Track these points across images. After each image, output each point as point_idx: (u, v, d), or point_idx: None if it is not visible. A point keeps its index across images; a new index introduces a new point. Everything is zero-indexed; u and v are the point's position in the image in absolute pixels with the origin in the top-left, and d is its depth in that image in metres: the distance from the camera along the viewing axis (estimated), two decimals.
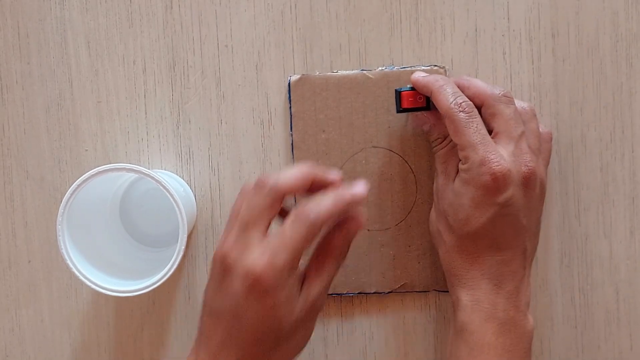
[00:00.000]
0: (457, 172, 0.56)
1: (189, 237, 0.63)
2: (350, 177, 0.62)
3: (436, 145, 0.58)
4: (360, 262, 0.62)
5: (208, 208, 0.63)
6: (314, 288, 0.53)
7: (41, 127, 0.64)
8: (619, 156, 0.62)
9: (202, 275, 0.64)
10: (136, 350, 0.64)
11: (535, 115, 0.58)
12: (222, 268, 0.51)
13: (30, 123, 0.64)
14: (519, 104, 0.57)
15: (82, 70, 0.63)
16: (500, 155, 0.54)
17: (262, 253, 0.50)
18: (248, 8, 0.63)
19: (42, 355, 0.65)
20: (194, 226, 0.63)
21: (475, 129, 0.54)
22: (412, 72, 0.61)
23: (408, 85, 0.58)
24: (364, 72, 0.61)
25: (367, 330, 0.63)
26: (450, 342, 0.58)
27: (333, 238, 0.53)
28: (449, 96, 0.55)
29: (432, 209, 0.60)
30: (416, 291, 0.63)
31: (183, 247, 0.56)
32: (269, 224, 0.51)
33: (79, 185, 0.55)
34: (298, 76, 0.62)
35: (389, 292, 0.63)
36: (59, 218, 0.56)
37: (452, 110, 0.55)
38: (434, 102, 0.56)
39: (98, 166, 0.56)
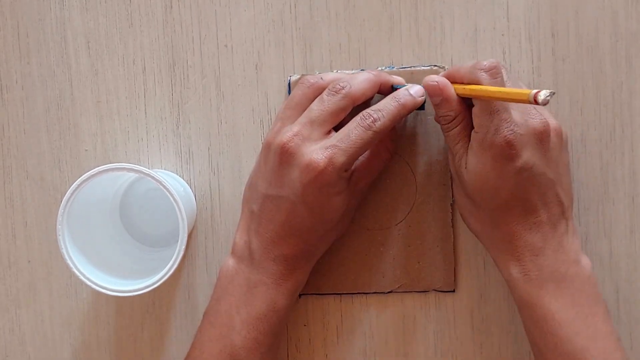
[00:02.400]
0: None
1: (189, 236, 0.63)
2: None
3: (446, 123, 0.56)
4: (360, 262, 0.62)
5: (208, 208, 0.63)
6: (361, 183, 0.58)
7: (41, 127, 0.64)
8: (619, 156, 0.62)
9: (202, 275, 0.64)
10: (136, 350, 0.64)
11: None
12: (281, 156, 0.55)
13: (30, 123, 0.64)
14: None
15: (82, 70, 0.63)
16: (513, 121, 0.52)
17: (325, 149, 0.54)
18: (248, 8, 0.63)
19: (42, 355, 0.65)
20: (194, 226, 0.63)
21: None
22: (412, 72, 0.61)
23: (406, 84, 0.58)
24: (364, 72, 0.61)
25: (367, 330, 0.63)
26: (522, 321, 0.57)
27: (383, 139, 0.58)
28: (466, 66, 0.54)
29: (455, 191, 0.59)
30: (416, 291, 0.63)
31: (183, 247, 0.56)
32: (335, 124, 0.56)
33: (79, 185, 0.55)
34: (298, 76, 0.62)
35: (389, 292, 0.63)
36: (59, 218, 0.56)
37: (476, 70, 0.53)
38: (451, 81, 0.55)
39: (98, 166, 0.56)
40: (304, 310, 0.63)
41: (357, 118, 0.55)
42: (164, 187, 0.55)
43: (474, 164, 0.54)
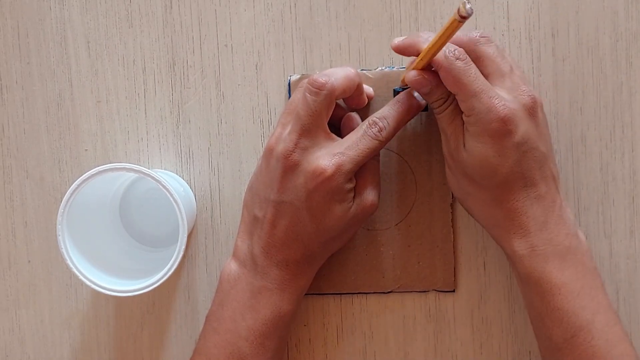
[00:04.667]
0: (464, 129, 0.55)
1: (189, 237, 0.63)
2: None
3: (438, 107, 0.56)
4: (360, 262, 0.62)
5: (208, 208, 0.63)
6: (369, 193, 0.57)
7: (41, 127, 0.64)
8: (619, 156, 0.62)
9: (202, 275, 0.64)
10: (136, 350, 0.64)
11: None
12: (285, 164, 0.55)
13: (30, 123, 0.64)
14: (474, 33, 0.56)
15: (82, 70, 0.63)
16: (502, 97, 0.53)
17: (333, 156, 0.55)
18: (248, 8, 0.63)
19: (42, 355, 0.65)
20: (193, 226, 0.63)
21: (474, 75, 0.53)
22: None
23: (407, 86, 0.58)
24: (364, 71, 0.61)
25: (367, 330, 0.63)
26: (522, 297, 0.57)
27: None
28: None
29: (449, 176, 0.58)
30: (416, 291, 0.63)
31: (183, 247, 0.56)
32: (326, 122, 0.56)
33: (79, 185, 0.55)
34: (298, 76, 0.62)
35: (389, 292, 0.63)
36: (59, 218, 0.56)
37: (449, 59, 0.53)
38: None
39: (98, 166, 0.56)
40: (304, 310, 0.63)
41: (364, 126, 0.56)
42: (164, 187, 0.55)
43: (472, 144, 0.54)
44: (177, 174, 0.63)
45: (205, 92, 0.63)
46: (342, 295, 0.63)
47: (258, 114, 0.63)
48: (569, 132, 0.62)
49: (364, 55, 0.62)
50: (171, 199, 0.55)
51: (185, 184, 0.63)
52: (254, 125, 0.63)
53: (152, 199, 0.64)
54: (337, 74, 0.56)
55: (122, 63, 0.63)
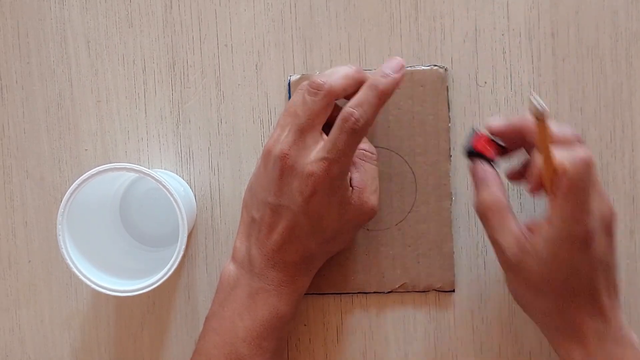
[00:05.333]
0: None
1: (189, 236, 0.63)
2: None
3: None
4: (360, 262, 0.62)
5: (208, 208, 0.63)
6: (368, 197, 0.57)
7: (41, 127, 0.64)
8: (619, 155, 0.62)
9: (202, 275, 0.64)
10: (136, 350, 0.64)
11: None
12: (282, 167, 0.55)
13: (30, 123, 0.64)
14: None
15: (82, 70, 0.63)
16: (589, 209, 0.51)
17: (319, 161, 0.54)
18: (248, 8, 0.63)
19: (42, 355, 0.65)
20: (193, 226, 0.63)
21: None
22: (412, 72, 0.61)
23: (485, 131, 0.55)
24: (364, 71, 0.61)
25: (367, 330, 0.63)
26: None
27: None
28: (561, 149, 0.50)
29: (514, 285, 0.55)
30: (416, 291, 0.63)
31: (183, 247, 0.56)
32: (323, 123, 0.56)
33: (79, 185, 0.55)
34: (298, 76, 0.62)
35: (389, 292, 0.63)
36: (59, 218, 0.55)
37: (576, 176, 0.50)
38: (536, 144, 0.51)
39: (98, 166, 0.56)
40: (304, 310, 0.63)
41: (339, 121, 0.54)
42: (164, 187, 0.55)
43: (547, 252, 0.51)
44: (177, 173, 0.63)
45: (205, 92, 0.63)
46: (342, 295, 0.63)
47: (258, 114, 0.63)
48: None
49: (364, 55, 0.62)
50: (171, 199, 0.55)
51: (185, 183, 0.63)
52: (254, 125, 0.63)
53: (152, 199, 0.64)
54: (336, 74, 0.55)
55: (122, 63, 0.63)
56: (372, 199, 0.58)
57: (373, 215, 0.58)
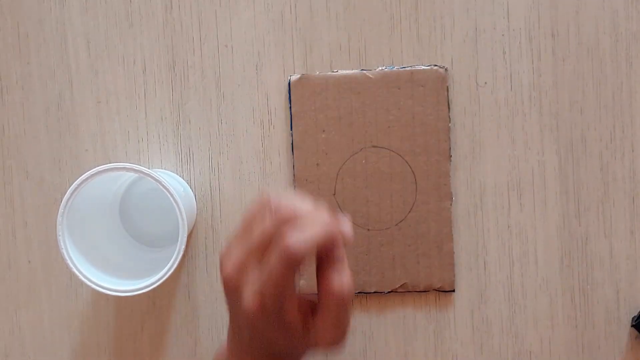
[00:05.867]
0: None
1: (189, 236, 0.63)
2: (350, 176, 0.62)
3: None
4: (360, 262, 0.62)
5: (208, 208, 0.63)
6: (322, 328, 0.51)
7: (41, 127, 0.64)
8: (619, 156, 0.62)
9: (202, 275, 0.64)
10: (136, 350, 0.64)
11: None
12: (227, 289, 0.51)
13: (30, 123, 0.64)
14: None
15: (81, 71, 0.63)
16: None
17: (255, 294, 0.49)
18: (248, 8, 0.63)
19: (42, 355, 0.65)
20: (193, 226, 0.63)
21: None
22: (412, 72, 0.61)
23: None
24: (364, 71, 0.61)
25: (367, 330, 0.63)
26: None
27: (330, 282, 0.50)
28: None
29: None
30: (416, 291, 0.63)
31: (183, 247, 0.56)
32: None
33: (78, 185, 0.55)
34: (298, 76, 0.62)
35: (389, 292, 0.63)
36: (59, 218, 0.55)
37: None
38: None
39: (98, 166, 0.56)
40: None
41: (276, 249, 0.47)
42: (164, 187, 0.55)
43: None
44: (177, 174, 0.63)
45: (205, 92, 0.63)
46: None
47: (258, 114, 0.63)
48: (569, 132, 0.62)
49: (364, 55, 0.62)
50: (171, 199, 0.55)
51: (185, 184, 0.63)
52: (254, 125, 0.63)
53: (152, 199, 0.64)
54: (309, 233, 0.47)
55: (122, 63, 0.63)
56: (328, 333, 0.51)
57: (334, 350, 0.52)
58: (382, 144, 0.62)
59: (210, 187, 0.63)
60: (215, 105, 0.63)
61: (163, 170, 0.63)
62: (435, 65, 0.62)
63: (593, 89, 0.62)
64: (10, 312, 0.65)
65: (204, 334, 0.64)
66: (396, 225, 0.62)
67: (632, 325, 0.61)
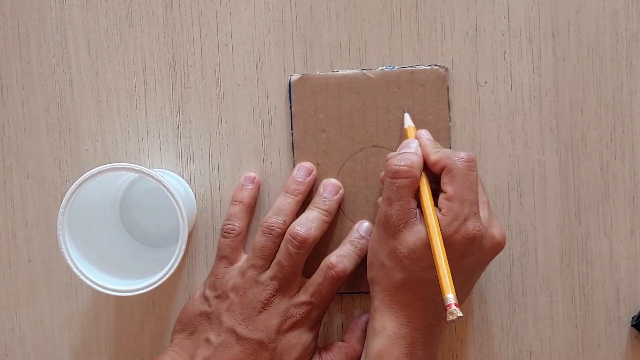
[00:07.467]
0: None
1: (189, 236, 0.63)
2: (350, 176, 0.62)
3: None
4: (361, 262, 0.62)
5: (208, 207, 0.63)
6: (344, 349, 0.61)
7: (41, 126, 0.64)
8: (619, 155, 0.62)
9: (202, 275, 0.64)
10: (136, 350, 0.64)
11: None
12: (263, 305, 0.59)
13: (30, 123, 0.64)
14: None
15: (82, 70, 0.63)
16: (480, 217, 0.54)
17: (301, 305, 0.59)
18: (248, 7, 0.63)
19: (42, 355, 0.65)
20: (194, 226, 0.63)
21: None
22: (412, 71, 0.61)
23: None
24: (364, 71, 0.61)
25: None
26: None
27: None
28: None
29: (379, 238, 0.57)
30: None
31: (183, 247, 0.56)
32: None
33: (79, 185, 0.55)
34: (298, 76, 0.62)
35: None
36: (59, 218, 0.55)
37: (455, 156, 0.55)
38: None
39: (98, 166, 0.56)
40: None
41: (324, 268, 0.59)
42: (164, 186, 0.55)
43: (422, 239, 0.54)
44: (177, 173, 0.63)
45: (206, 91, 0.63)
46: (343, 295, 0.63)
47: (258, 113, 0.63)
48: (569, 132, 0.62)
49: (364, 55, 0.62)
50: (171, 199, 0.55)
51: (186, 183, 0.63)
52: (254, 125, 0.63)
53: (152, 198, 0.64)
54: (316, 222, 0.59)
55: (122, 63, 0.63)
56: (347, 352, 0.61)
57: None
58: (383, 144, 0.62)
59: (211, 186, 0.63)
60: (215, 104, 0.63)
61: (163, 170, 0.63)
62: (436, 65, 0.62)
63: (593, 89, 0.62)
64: (10, 311, 0.65)
65: None
66: None
67: (632, 325, 0.61)
